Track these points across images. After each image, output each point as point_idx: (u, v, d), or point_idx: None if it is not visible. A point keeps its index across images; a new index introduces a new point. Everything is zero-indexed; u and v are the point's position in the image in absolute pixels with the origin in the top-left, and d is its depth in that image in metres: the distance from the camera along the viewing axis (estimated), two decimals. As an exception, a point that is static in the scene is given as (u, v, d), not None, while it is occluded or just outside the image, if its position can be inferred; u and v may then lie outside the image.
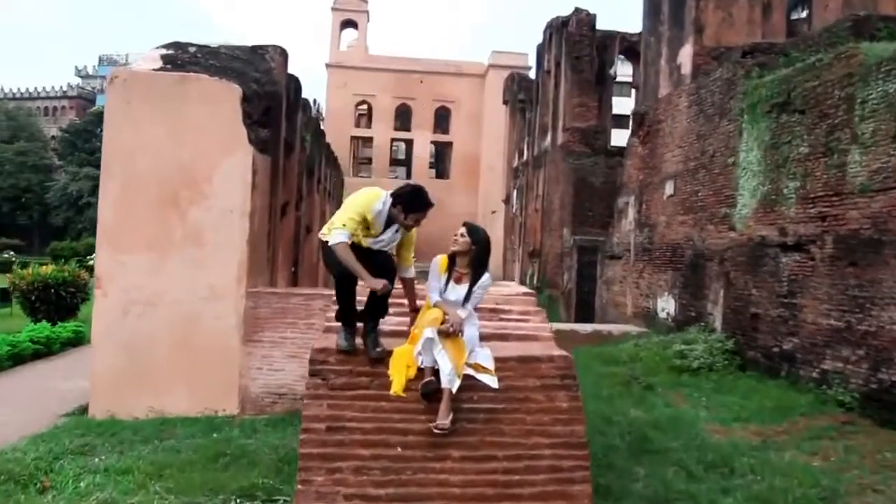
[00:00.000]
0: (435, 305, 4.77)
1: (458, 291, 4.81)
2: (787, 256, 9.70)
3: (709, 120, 12.27)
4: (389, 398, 4.65)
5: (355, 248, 4.56)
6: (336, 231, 4.59)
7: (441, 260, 4.90)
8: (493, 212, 34.25)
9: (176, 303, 9.10)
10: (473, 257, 4.82)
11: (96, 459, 7.28)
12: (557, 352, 5.07)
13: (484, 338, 5.21)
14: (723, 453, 6.74)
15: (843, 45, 9.34)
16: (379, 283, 4.55)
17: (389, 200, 4.64)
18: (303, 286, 15.13)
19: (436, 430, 4.44)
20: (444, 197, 37.88)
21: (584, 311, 18.77)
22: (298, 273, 14.62)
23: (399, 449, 4.50)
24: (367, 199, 4.64)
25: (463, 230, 4.83)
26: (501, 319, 5.94)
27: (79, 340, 14.31)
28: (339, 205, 24.48)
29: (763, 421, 7.99)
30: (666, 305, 13.65)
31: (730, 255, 11.27)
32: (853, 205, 8.39)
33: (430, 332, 4.55)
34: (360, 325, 4.83)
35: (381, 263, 4.67)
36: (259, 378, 9.33)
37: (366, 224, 4.62)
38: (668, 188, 13.80)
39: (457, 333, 4.60)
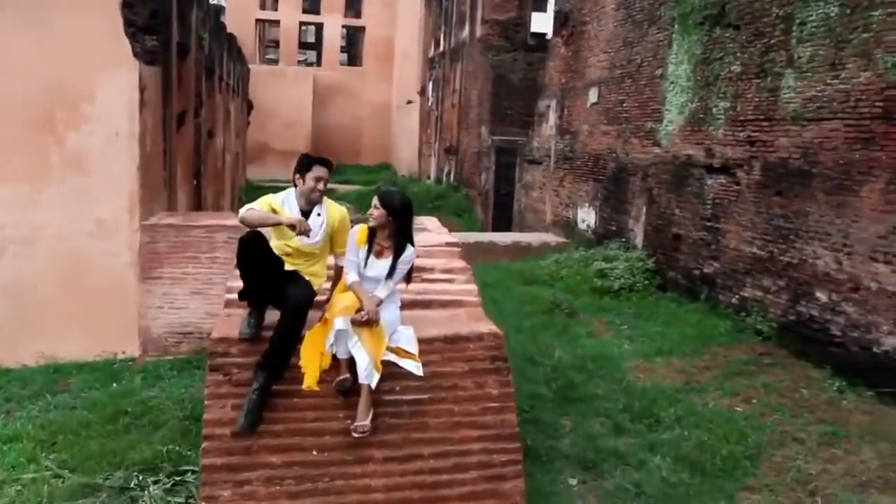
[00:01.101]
0: (350, 286, 4.21)
1: (378, 267, 4.25)
2: (713, 179, 9.48)
3: (637, 26, 11.66)
4: (301, 394, 4.15)
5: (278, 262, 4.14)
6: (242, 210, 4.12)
7: (359, 232, 4.28)
8: (409, 102, 32.98)
9: (59, 239, 8.21)
10: (394, 230, 4.24)
11: (-20, 424, 6.63)
12: (486, 327, 4.64)
13: (405, 305, 4.72)
14: (648, 399, 6.64)
15: (782, -46, 8.78)
16: (296, 219, 4.00)
17: (292, 189, 4.20)
18: (207, 199, 14.14)
19: (355, 434, 4.00)
20: (357, 85, 36.30)
21: (502, 214, 18.50)
22: (202, 184, 13.59)
23: (314, 453, 4.05)
24: (267, 195, 4.26)
25: (376, 200, 4.21)
26: (424, 280, 5.45)
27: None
28: (244, 100, 22.67)
29: (684, 353, 7.96)
30: (586, 217, 13.46)
31: (654, 171, 11.01)
32: (784, 132, 8.13)
33: (341, 324, 4.01)
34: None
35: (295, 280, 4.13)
36: (160, 317, 8.66)
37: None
38: (592, 95, 13.28)
39: (372, 323, 4.08)
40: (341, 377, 4.05)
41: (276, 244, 4.13)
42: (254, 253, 3.98)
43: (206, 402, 4.14)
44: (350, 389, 4.08)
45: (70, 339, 8.31)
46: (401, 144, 33.51)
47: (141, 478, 5.47)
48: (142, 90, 8.27)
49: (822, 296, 7.51)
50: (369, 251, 4.26)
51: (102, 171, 8.14)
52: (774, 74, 8.27)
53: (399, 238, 4.26)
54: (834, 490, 5.20)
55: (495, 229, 18.81)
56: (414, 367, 4.29)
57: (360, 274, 4.24)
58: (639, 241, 11.40)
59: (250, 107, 27.58)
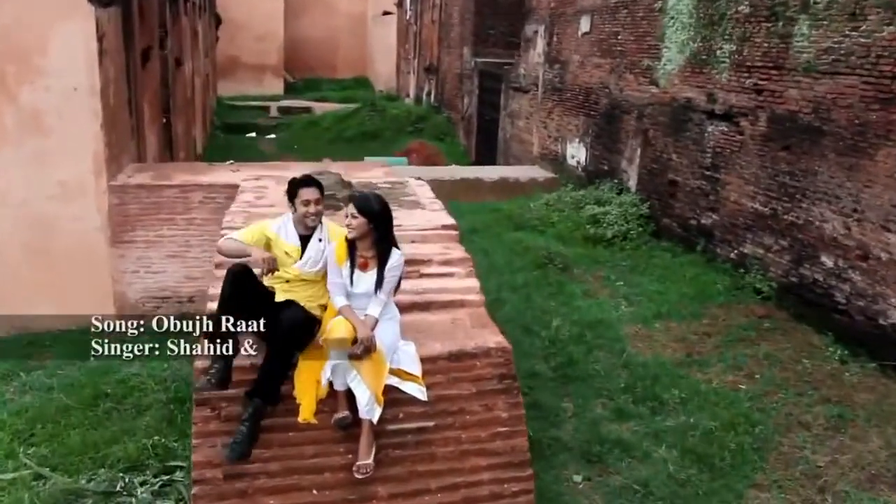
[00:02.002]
0: (340, 312, 3.82)
1: (366, 281, 3.87)
2: (714, 126, 9.03)
3: (635, -49, 10.87)
4: (298, 427, 3.84)
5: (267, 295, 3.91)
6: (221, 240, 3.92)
7: (337, 249, 3.86)
8: (386, 13, 31.43)
9: (21, 205, 7.68)
10: (376, 237, 3.85)
11: (-49, 410, 6.30)
12: (493, 339, 4.31)
13: (403, 308, 4.38)
14: (650, 376, 6.45)
15: None
16: (261, 255, 3.70)
17: (290, 214, 3.93)
18: (178, 133, 13.45)
19: (358, 475, 3.72)
20: (331, -5, 34.46)
21: (486, 140, 17.91)
22: (171, 119, 12.86)
23: (314, 492, 3.78)
24: (263, 221, 4.04)
25: (352, 209, 3.77)
26: (422, 275, 5.09)
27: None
28: (212, 15, 21.40)
29: (683, 316, 7.74)
30: (576, 153, 12.98)
31: (650, 111, 10.50)
32: (794, 83, 7.65)
33: (337, 357, 3.69)
34: None
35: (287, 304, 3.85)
36: (136, 282, 8.27)
37: (275, 246, 3.89)
38: (584, 24, 12.55)
39: (370, 351, 3.74)
40: (340, 415, 3.74)
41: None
42: (242, 288, 3.66)
43: (193, 442, 3.82)
44: (350, 424, 3.78)
45: (42, 309, 7.88)
46: (378, 58, 32.19)
47: (127, 479, 5.24)
48: (100, 38, 7.53)
49: (827, 260, 7.26)
50: (353, 266, 3.87)
51: (63, 130, 7.52)
52: (787, 19, 7.71)
53: (382, 244, 3.87)
54: (843, 486, 5.09)
55: (478, 156, 18.26)
56: (417, 390, 3.99)
57: (349, 293, 3.86)
58: (632, 183, 11.01)
59: (218, 21, 26.15)
